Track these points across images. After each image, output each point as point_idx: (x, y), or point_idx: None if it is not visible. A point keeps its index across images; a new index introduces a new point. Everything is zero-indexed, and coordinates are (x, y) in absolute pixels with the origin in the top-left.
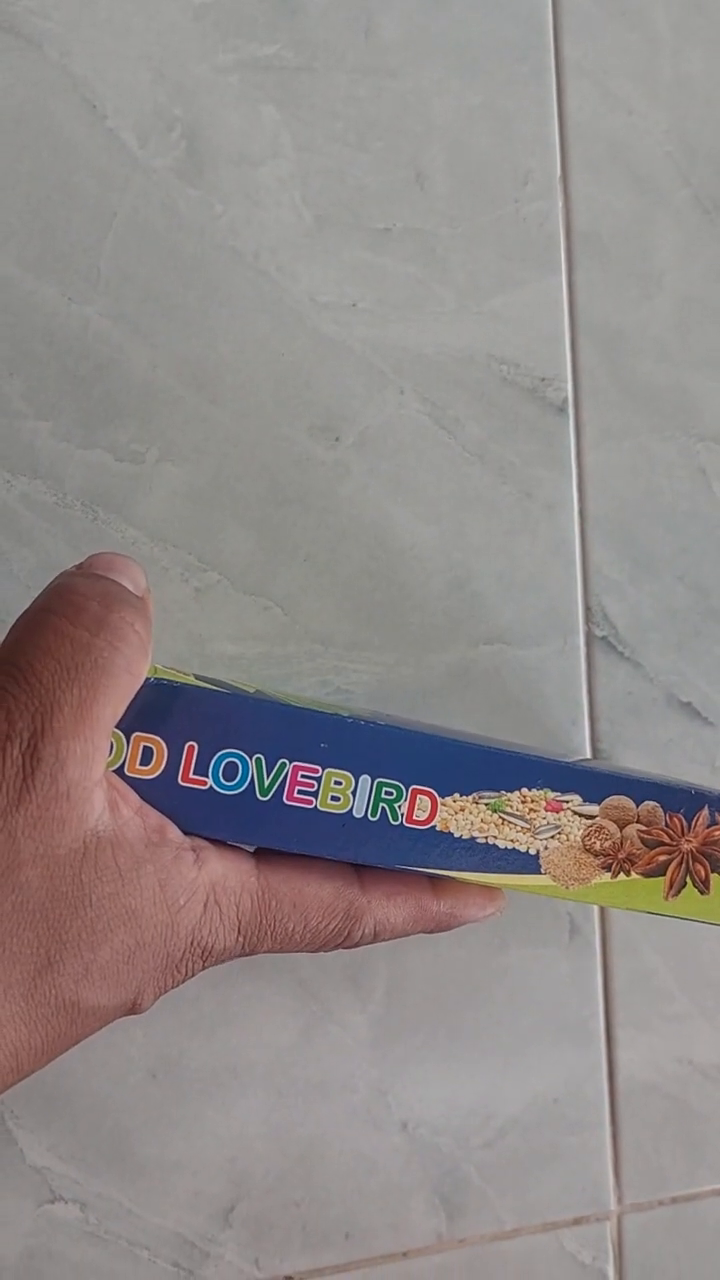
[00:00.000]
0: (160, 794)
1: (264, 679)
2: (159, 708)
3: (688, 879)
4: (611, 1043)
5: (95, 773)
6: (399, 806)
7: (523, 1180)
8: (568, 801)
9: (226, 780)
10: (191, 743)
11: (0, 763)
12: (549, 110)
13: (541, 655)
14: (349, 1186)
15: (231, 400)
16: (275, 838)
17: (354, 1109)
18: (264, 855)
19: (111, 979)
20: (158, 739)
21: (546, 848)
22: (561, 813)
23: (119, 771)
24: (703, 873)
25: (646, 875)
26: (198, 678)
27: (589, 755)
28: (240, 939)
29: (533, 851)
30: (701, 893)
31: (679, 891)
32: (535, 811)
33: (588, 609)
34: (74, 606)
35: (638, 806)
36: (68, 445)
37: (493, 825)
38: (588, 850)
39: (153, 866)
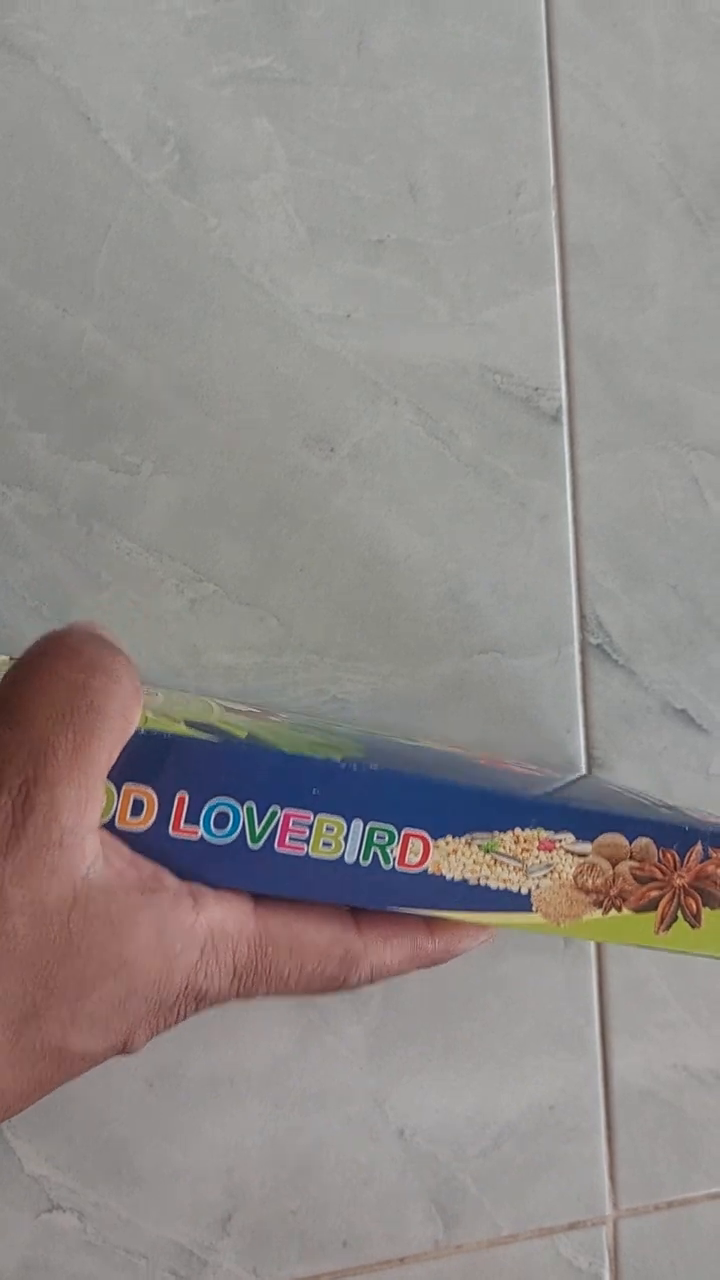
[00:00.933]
0: (152, 846)
1: (260, 689)
2: (149, 759)
3: (679, 913)
4: (607, 1050)
5: (89, 819)
6: (391, 850)
7: (519, 1187)
8: (560, 840)
9: (218, 829)
10: (182, 793)
11: None
12: (542, 122)
13: (536, 665)
14: (346, 1195)
15: (226, 412)
16: (268, 884)
17: (351, 1118)
18: (261, 897)
19: (100, 1026)
20: (148, 790)
21: (538, 886)
22: (554, 851)
23: (110, 825)
24: (694, 906)
25: (638, 911)
26: (188, 724)
27: (584, 765)
28: (236, 983)
29: (525, 891)
30: (693, 926)
31: (670, 925)
32: (528, 851)
33: (582, 618)
34: (69, 649)
35: (630, 843)
36: (63, 457)
37: (485, 866)
38: (579, 888)
39: (149, 914)
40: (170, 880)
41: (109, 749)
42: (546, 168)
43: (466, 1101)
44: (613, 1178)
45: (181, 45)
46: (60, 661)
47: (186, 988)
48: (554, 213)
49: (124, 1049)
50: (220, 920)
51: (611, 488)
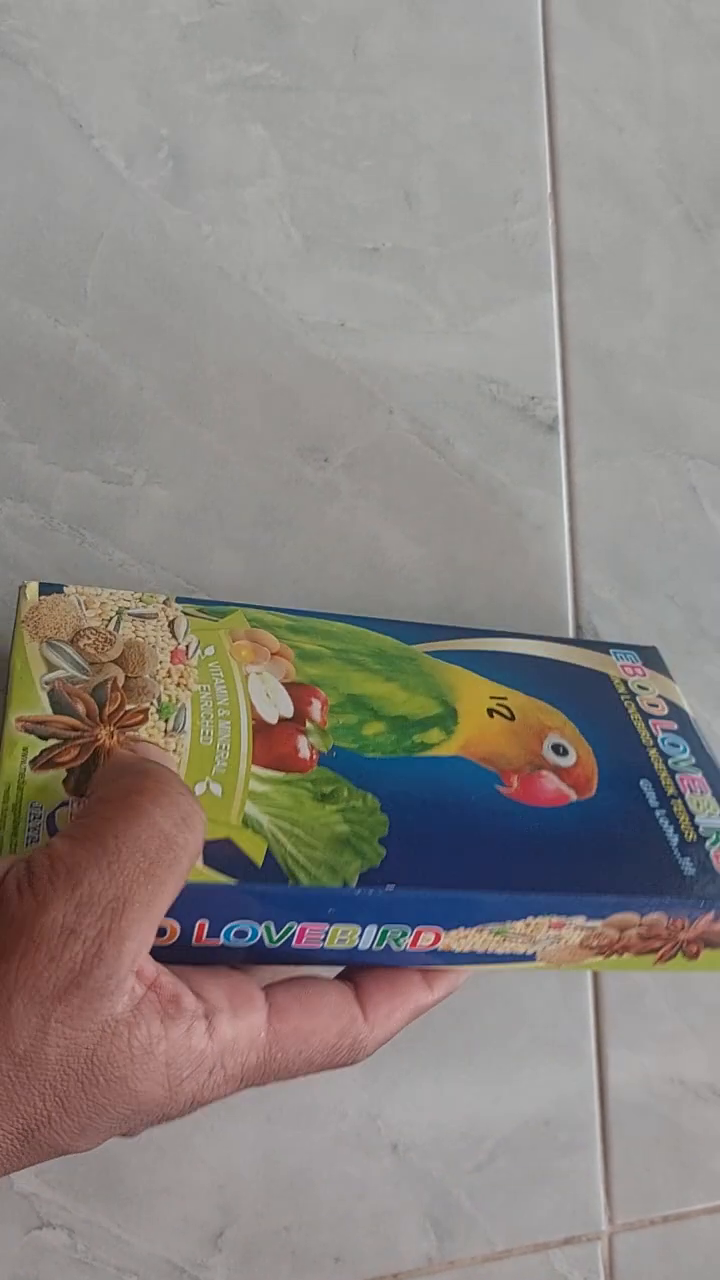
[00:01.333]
0: (175, 954)
1: None
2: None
3: (679, 953)
4: (602, 1063)
5: (136, 964)
6: (404, 940)
7: (514, 1202)
8: (572, 920)
9: (238, 939)
10: (203, 920)
11: (59, 954)
12: (539, 128)
13: None
14: (339, 1210)
15: (220, 421)
16: (282, 961)
17: (344, 1133)
18: (273, 996)
19: (102, 1136)
20: (171, 920)
21: (544, 949)
22: (564, 929)
23: None
24: (695, 950)
25: (638, 955)
26: (205, 863)
27: None
28: (241, 1085)
29: (530, 953)
30: (689, 958)
31: (668, 961)
32: (538, 930)
33: (579, 629)
34: (168, 799)
35: (641, 918)
36: (54, 468)
37: (495, 943)
38: (584, 947)
39: (164, 1045)
40: (189, 1002)
41: (172, 898)
42: (543, 175)
43: (461, 1115)
44: (608, 1192)
45: (175, 51)
46: (158, 809)
47: (192, 1102)
48: (551, 220)
49: (124, 1133)
50: (232, 1040)
51: (608, 497)
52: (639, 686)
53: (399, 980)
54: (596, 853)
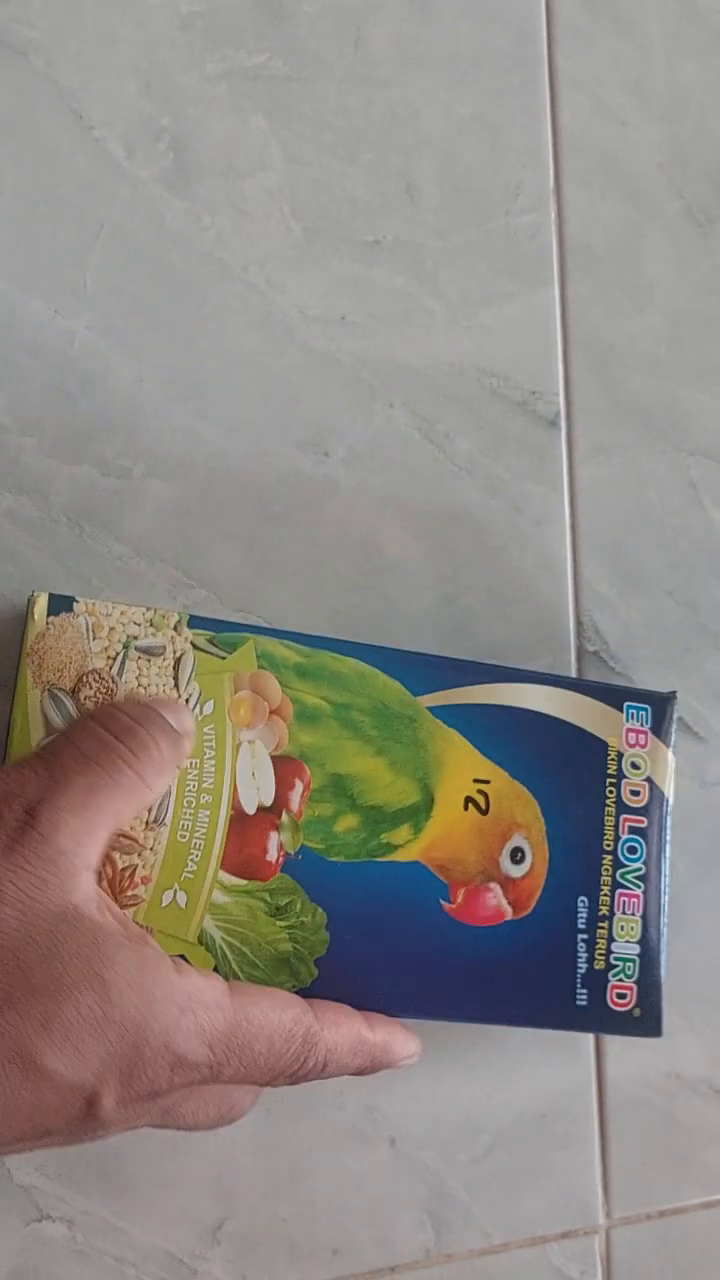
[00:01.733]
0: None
1: None
2: None
3: None
4: (600, 1057)
5: (86, 855)
6: None
7: (511, 1195)
8: None
9: None
10: None
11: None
12: (541, 121)
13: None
14: (336, 1203)
15: (219, 415)
16: None
17: (341, 1126)
18: (232, 982)
19: (72, 1043)
20: None
21: None
22: None
23: None
24: None
25: None
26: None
27: None
28: (210, 1055)
29: None
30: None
31: None
32: None
33: (579, 624)
34: (107, 713)
35: None
36: (53, 460)
37: None
38: None
39: (132, 953)
40: (156, 945)
41: (118, 802)
42: (545, 168)
43: (458, 1108)
44: (605, 1186)
45: (176, 41)
46: (95, 721)
47: (164, 1045)
48: (553, 214)
49: (91, 1100)
50: (200, 989)
51: (609, 493)
52: (631, 765)
53: (341, 1005)
54: (507, 980)
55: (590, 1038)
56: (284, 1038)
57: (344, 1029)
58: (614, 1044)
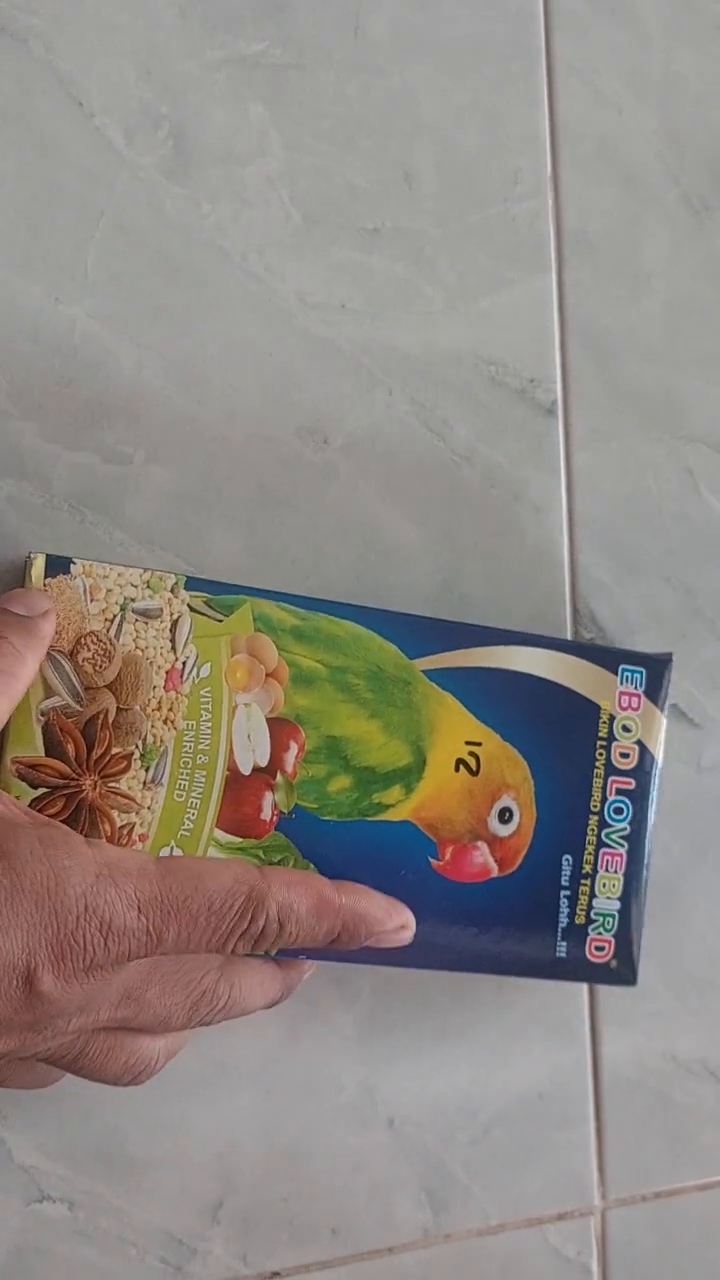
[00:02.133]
0: None
1: None
2: None
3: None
4: (596, 1039)
5: None
6: None
7: (508, 1176)
8: None
9: None
10: None
11: None
12: (539, 109)
13: None
14: (336, 1183)
15: (219, 401)
16: None
17: (341, 1107)
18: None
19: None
20: None
21: None
22: None
23: None
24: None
25: None
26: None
27: None
28: (142, 919)
29: None
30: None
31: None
32: None
33: (575, 611)
34: None
35: None
36: (55, 446)
37: None
38: None
39: (34, 831)
40: (68, 829)
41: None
42: (543, 155)
43: (456, 1089)
44: (601, 1167)
45: (175, 29)
46: None
47: (86, 908)
48: (551, 201)
49: (30, 981)
50: (119, 856)
51: (606, 479)
52: (622, 728)
53: (302, 870)
54: (491, 933)
55: (586, 1019)
56: (224, 895)
57: (300, 888)
58: (610, 1025)
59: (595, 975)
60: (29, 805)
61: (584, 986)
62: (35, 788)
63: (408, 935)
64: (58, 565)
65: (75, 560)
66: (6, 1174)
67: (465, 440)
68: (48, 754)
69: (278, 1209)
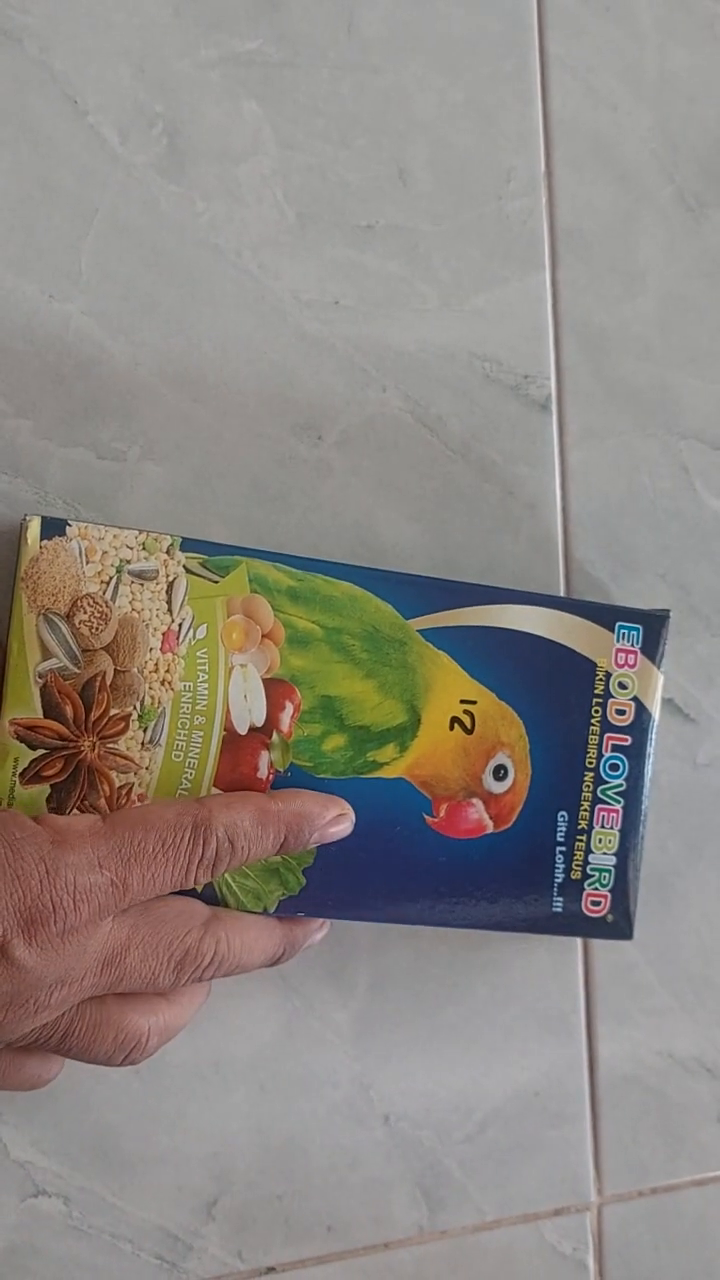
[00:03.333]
0: None
1: None
2: None
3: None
4: (592, 1036)
5: None
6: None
7: (504, 1172)
8: None
9: None
10: None
11: None
12: (533, 107)
13: None
14: (331, 1180)
15: (214, 398)
16: None
17: (336, 1103)
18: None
19: None
20: None
21: None
22: None
23: None
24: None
25: None
26: None
27: None
28: (106, 873)
29: None
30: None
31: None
32: None
33: None
34: None
35: None
36: (49, 443)
37: None
38: None
39: None
40: (12, 810)
41: None
42: (537, 153)
43: (452, 1086)
44: (597, 1164)
45: (169, 27)
46: None
47: (49, 874)
48: (544, 199)
49: (4, 950)
50: (66, 824)
51: (600, 476)
52: (618, 685)
53: (235, 791)
54: (485, 889)
55: (582, 1016)
56: (173, 829)
57: (238, 805)
58: (607, 1022)
59: (592, 929)
60: (27, 766)
61: (580, 983)
62: (34, 749)
63: (347, 824)
64: (53, 527)
65: (71, 522)
66: (2, 1170)
67: (459, 436)
68: (46, 716)
69: (273, 1205)
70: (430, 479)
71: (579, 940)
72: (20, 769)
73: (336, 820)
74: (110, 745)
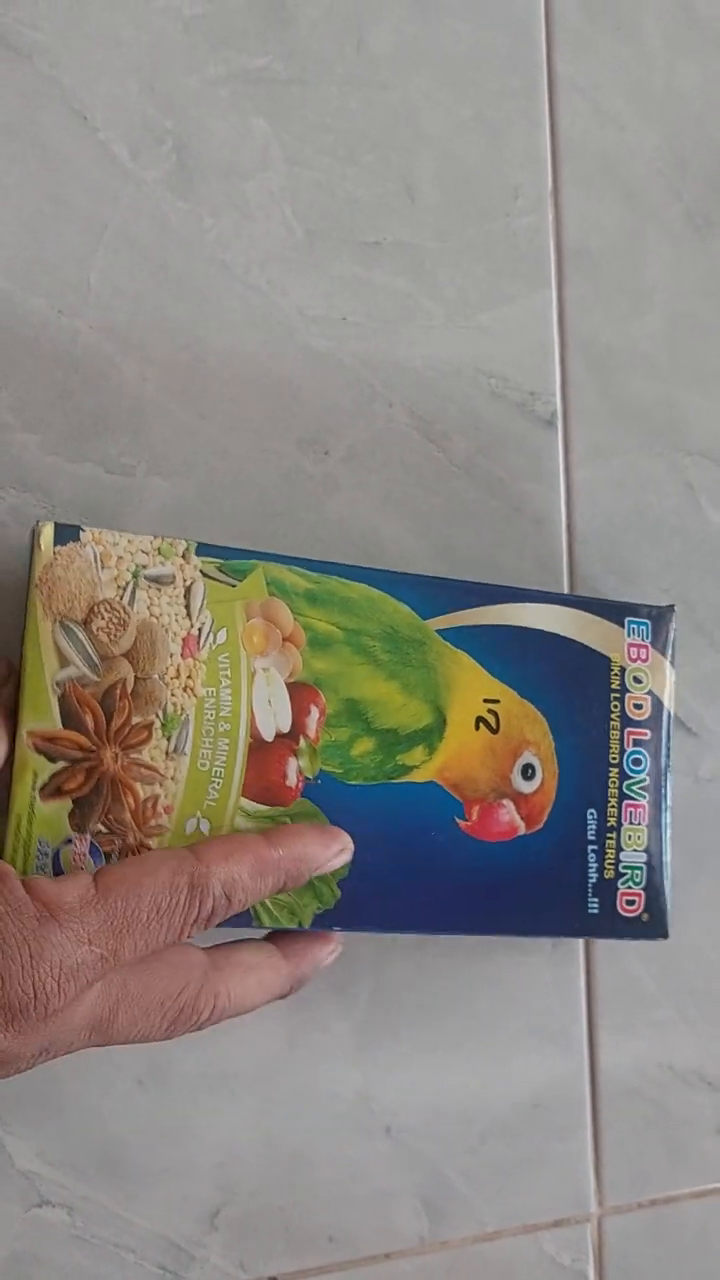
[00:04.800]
0: None
1: None
2: None
3: None
4: (594, 1048)
5: None
6: None
7: (505, 1183)
8: None
9: None
10: None
11: None
12: (540, 124)
13: None
14: (333, 1190)
15: (221, 413)
16: None
17: (339, 1115)
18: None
19: None
20: None
21: None
22: None
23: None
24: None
25: None
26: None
27: None
28: (95, 949)
29: None
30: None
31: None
32: None
33: None
34: None
35: None
36: (57, 458)
37: None
38: None
39: None
40: (2, 865)
41: None
42: (544, 171)
43: (454, 1098)
44: (598, 1175)
45: (179, 44)
46: None
47: (32, 956)
48: (551, 216)
49: None
50: (56, 893)
51: (605, 493)
52: (634, 679)
53: (233, 835)
54: (521, 892)
55: (584, 1029)
56: (168, 892)
57: (236, 857)
58: (608, 1034)
59: (628, 930)
60: (48, 780)
61: (582, 995)
62: (54, 761)
63: (348, 855)
64: (66, 534)
65: (84, 528)
66: (7, 1179)
67: (465, 453)
68: (65, 726)
69: (276, 1216)
70: (436, 494)
71: (581, 953)
72: (40, 784)
73: (338, 855)
74: (134, 755)
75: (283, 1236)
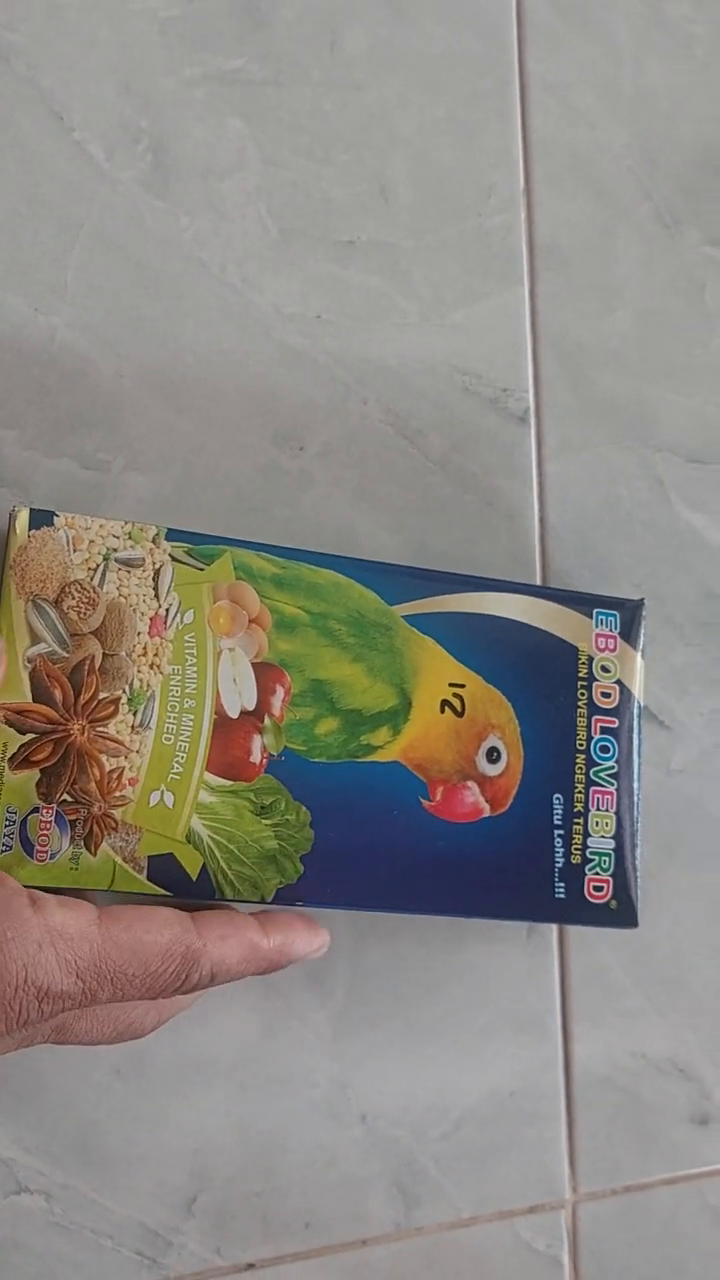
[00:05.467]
0: None
1: None
2: None
3: None
4: (567, 1037)
5: None
6: None
7: (479, 1171)
8: None
9: None
10: None
11: None
12: (512, 124)
13: None
14: (309, 1177)
15: (197, 410)
16: None
17: (314, 1102)
18: (105, 908)
19: None
20: None
21: None
22: None
23: None
24: None
25: None
26: (148, 876)
27: None
28: (79, 983)
29: None
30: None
31: None
32: None
33: None
34: None
35: None
36: (33, 454)
37: None
38: None
39: None
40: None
41: None
42: (516, 170)
43: (428, 1086)
44: (572, 1162)
45: (155, 45)
46: None
47: (25, 980)
48: (523, 215)
49: None
50: (61, 923)
51: (577, 487)
52: (601, 669)
53: (233, 916)
54: (486, 875)
55: (558, 1018)
56: (161, 958)
57: (232, 941)
58: (581, 1024)
59: (595, 917)
60: (16, 750)
61: (556, 985)
62: (23, 733)
63: (325, 950)
64: (41, 519)
65: (58, 514)
66: None
67: (439, 449)
68: (35, 700)
69: (252, 1202)
70: (410, 490)
71: (555, 942)
72: (9, 754)
73: (316, 951)
74: (100, 729)
75: (259, 1223)
